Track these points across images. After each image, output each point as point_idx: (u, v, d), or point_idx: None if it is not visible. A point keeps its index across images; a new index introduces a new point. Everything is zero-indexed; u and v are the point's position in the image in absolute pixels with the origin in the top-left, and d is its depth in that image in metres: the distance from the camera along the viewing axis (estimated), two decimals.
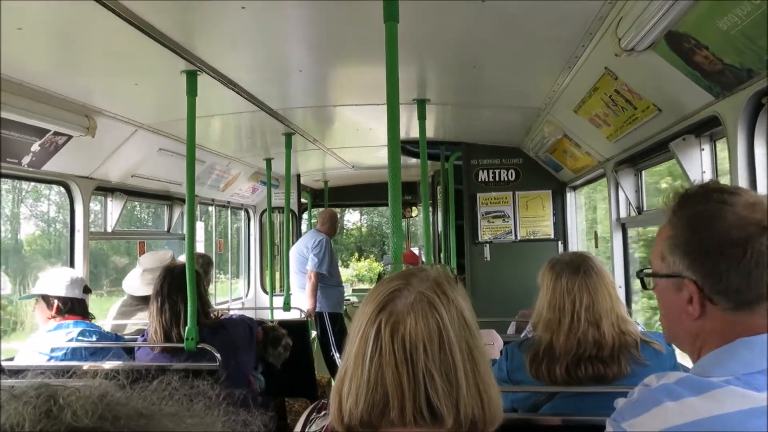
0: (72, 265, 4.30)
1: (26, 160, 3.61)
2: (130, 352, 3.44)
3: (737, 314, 1.16)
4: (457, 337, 1.13)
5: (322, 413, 1.39)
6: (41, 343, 3.32)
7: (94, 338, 3.36)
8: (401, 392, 1.09)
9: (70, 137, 3.70)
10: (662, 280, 1.26)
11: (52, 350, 3.27)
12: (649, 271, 1.32)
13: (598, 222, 5.78)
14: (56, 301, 3.43)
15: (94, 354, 3.31)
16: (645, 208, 4.06)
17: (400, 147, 2.61)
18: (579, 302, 2.13)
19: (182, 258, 4.52)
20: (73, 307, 3.46)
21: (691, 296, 1.19)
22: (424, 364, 1.10)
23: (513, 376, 2.29)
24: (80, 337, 3.32)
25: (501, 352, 2.53)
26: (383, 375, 1.10)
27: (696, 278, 1.18)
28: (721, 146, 2.91)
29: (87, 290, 3.60)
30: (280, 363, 3.89)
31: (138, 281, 4.22)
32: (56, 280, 3.48)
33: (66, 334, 3.32)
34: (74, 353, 3.28)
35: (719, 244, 1.15)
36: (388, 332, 1.12)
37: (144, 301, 4.22)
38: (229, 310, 6.34)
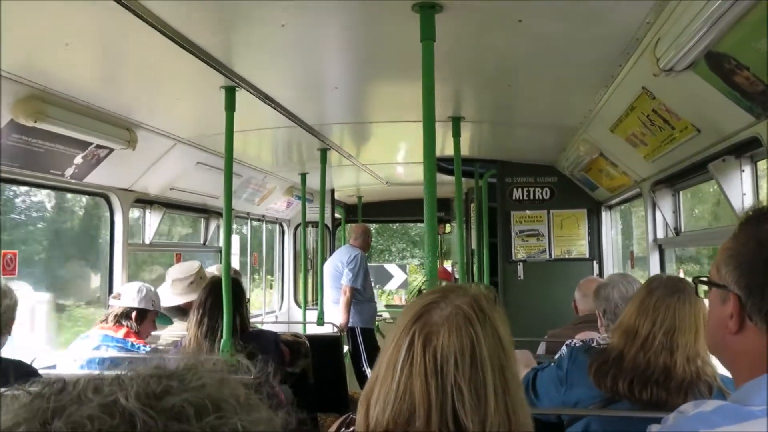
0: (111, 275, 4.38)
1: (69, 171, 3.70)
2: None
3: None
4: (490, 355, 1.14)
5: (351, 429, 1.39)
6: (73, 349, 3.42)
7: (115, 352, 3.36)
8: (428, 403, 1.10)
9: (111, 150, 3.79)
10: (713, 291, 1.25)
11: (75, 359, 3.34)
12: (704, 279, 1.30)
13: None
14: (116, 311, 3.50)
15: (120, 367, 3.31)
16: (683, 229, 4.00)
17: (436, 165, 2.62)
18: (660, 323, 2.07)
19: (210, 269, 4.59)
20: (117, 319, 3.48)
21: (732, 310, 1.17)
22: (454, 377, 1.10)
23: (570, 376, 2.27)
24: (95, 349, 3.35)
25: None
26: (412, 384, 1.11)
27: (740, 293, 1.16)
28: (763, 168, 2.86)
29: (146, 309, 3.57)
30: (302, 369, 3.90)
31: (168, 292, 4.27)
32: (126, 292, 3.56)
33: (91, 347, 3.37)
34: (90, 364, 3.30)
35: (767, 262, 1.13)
36: (420, 343, 1.13)
37: (176, 312, 4.27)
38: (262, 323, 6.38)
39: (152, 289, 3.65)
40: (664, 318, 2.08)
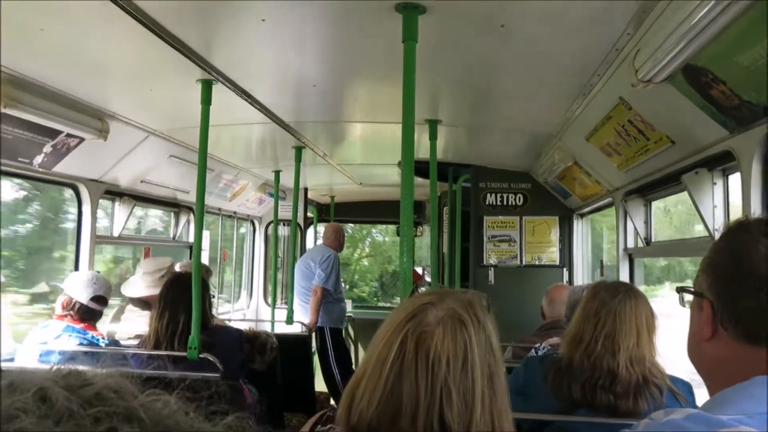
0: (77, 268, 4.29)
1: (38, 160, 3.62)
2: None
3: (746, 346, 1.15)
4: (481, 360, 1.14)
5: (328, 426, 1.38)
6: (33, 338, 3.39)
7: (76, 342, 3.37)
8: (416, 402, 1.09)
9: (82, 139, 3.71)
10: (693, 299, 1.27)
11: (42, 354, 3.29)
12: (684, 287, 1.33)
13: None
14: (63, 299, 3.50)
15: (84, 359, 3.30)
16: (653, 239, 4.04)
17: (413, 167, 2.61)
18: (601, 326, 2.12)
19: (177, 266, 4.54)
20: (78, 311, 3.48)
21: (706, 316, 1.19)
22: (444, 379, 1.10)
23: (527, 387, 2.28)
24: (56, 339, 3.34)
25: None
26: (401, 383, 1.11)
27: (713, 299, 1.18)
28: (734, 181, 2.90)
29: (100, 300, 3.59)
30: (268, 366, 3.87)
31: (137, 284, 4.22)
32: (72, 279, 3.57)
33: (53, 336, 3.35)
34: (48, 355, 3.28)
35: (740, 271, 1.15)
36: (413, 342, 1.13)
37: (143, 305, 4.22)
38: (230, 320, 6.32)
39: (99, 280, 3.64)
40: (605, 321, 2.13)
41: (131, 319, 4.15)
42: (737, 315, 1.15)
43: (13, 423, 0.47)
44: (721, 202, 2.97)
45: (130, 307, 4.26)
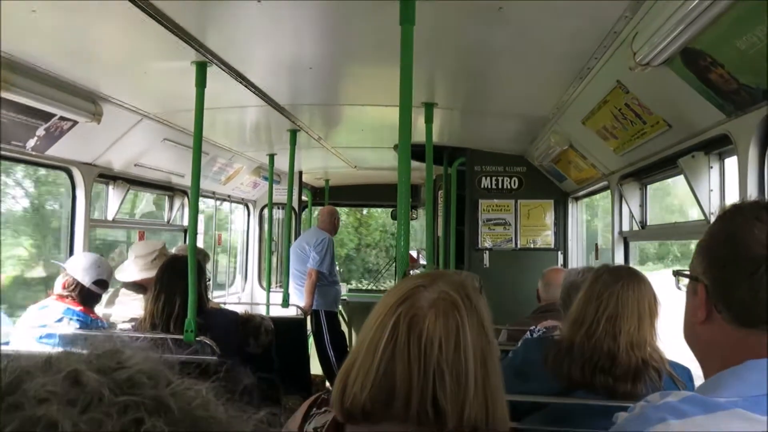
0: (71, 252, 4.27)
1: (31, 143, 3.59)
2: None
3: (741, 330, 1.15)
4: (474, 342, 1.13)
5: (323, 409, 1.38)
6: (30, 319, 3.37)
7: (77, 326, 3.37)
8: (409, 386, 1.09)
9: (75, 122, 3.69)
10: (689, 282, 1.28)
11: (42, 336, 3.28)
12: (683, 272, 1.32)
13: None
14: (64, 279, 3.47)
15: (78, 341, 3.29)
16: (648, 223, 4.05)
17: (410, 150, 2.60)
18: (603, 309, 2.11)
19: (174, 250, 4.52)
20: (79, 294, 3.46)
21: (700, 299, 1.20)
22: (437, 361, 1.10)
23: (524, 367, 2.29)
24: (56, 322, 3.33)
25: None
26: (394, 366, 1.10)
27: (707, 282, 1.19)
28: (730, 165, 2.90)
29: (102, 284, 3.58)
30: (263, 349, 3.87)
31: (130, 268, 4.21)
32: (76, 260, 3.57)
33: (53, 318, 3.34)
34: (47, 338, 3.27)
35: (735, 254, 1.16)
36: (405, 325, 1.12)
37: (137, 288, 4.21)
38: (225, 304, 6.33)
39: (102, 264, 3.65)
40: (607, 304, 2.12)
41: (125, 303, 4.15)
42: (731, 298, 1.15)
43: (41, 407, 0.47)
44: (717, 186, 2.97)
45: (123, 290, 4.25)
